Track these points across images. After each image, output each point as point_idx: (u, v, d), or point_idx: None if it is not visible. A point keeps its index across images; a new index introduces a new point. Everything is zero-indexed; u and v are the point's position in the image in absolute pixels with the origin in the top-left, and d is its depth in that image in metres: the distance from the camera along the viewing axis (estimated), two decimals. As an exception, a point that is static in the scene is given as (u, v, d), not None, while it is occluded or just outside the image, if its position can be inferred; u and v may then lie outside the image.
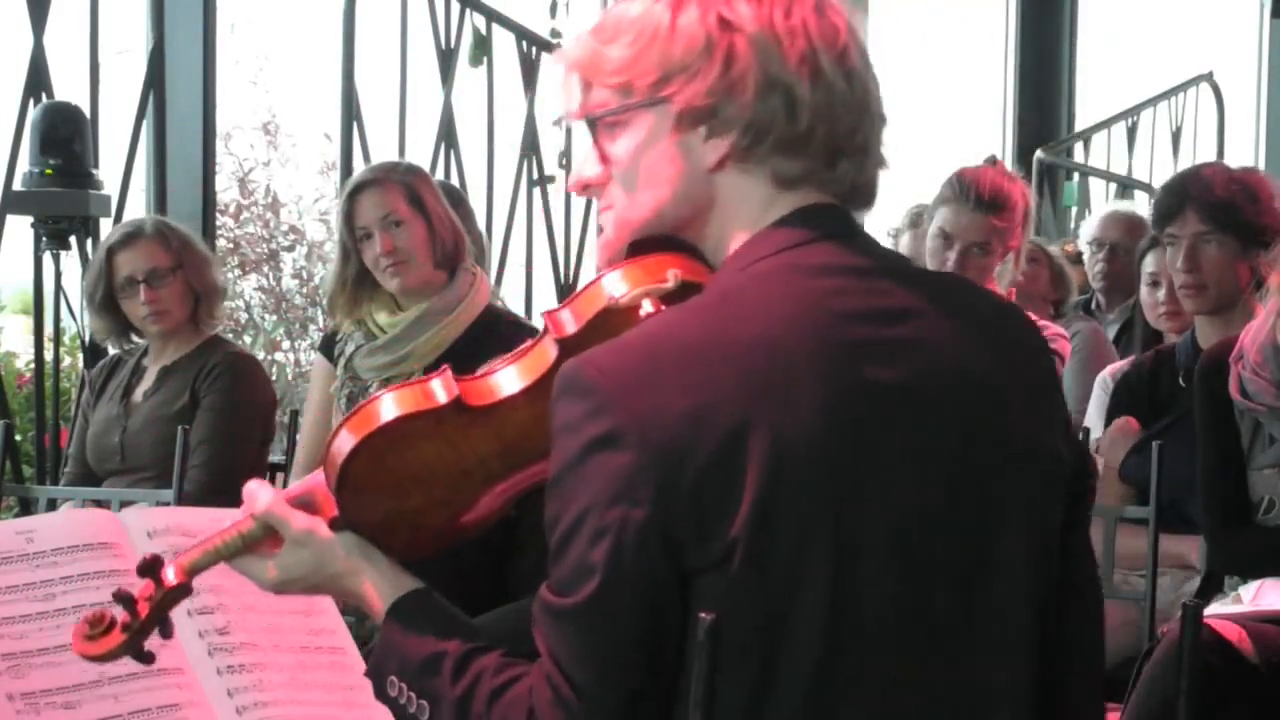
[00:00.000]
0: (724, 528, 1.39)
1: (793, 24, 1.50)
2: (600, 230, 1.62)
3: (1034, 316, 2.74)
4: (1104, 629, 1.66)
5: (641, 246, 1.57)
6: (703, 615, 1.39)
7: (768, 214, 1.52)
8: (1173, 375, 3.53)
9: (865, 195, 1.57)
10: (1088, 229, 5.41)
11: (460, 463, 1.58)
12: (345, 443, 1.57)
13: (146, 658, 1.65)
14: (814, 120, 1.50)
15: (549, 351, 1.56)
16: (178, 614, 1.68)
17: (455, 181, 5.44)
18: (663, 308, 1.51)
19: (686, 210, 1.54)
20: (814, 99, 1.49)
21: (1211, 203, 3.34)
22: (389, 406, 1.57)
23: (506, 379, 1.57)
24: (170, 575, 1.63)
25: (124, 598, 1.62)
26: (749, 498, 1.39)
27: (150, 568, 1.63)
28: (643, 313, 1.52)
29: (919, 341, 1.48)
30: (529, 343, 1.59)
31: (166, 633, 1.65)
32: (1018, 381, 1.54)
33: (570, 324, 1.56)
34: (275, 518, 1.62)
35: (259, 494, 1.64)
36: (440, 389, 1.57)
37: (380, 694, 1.57)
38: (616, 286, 1.55)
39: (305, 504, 1.63)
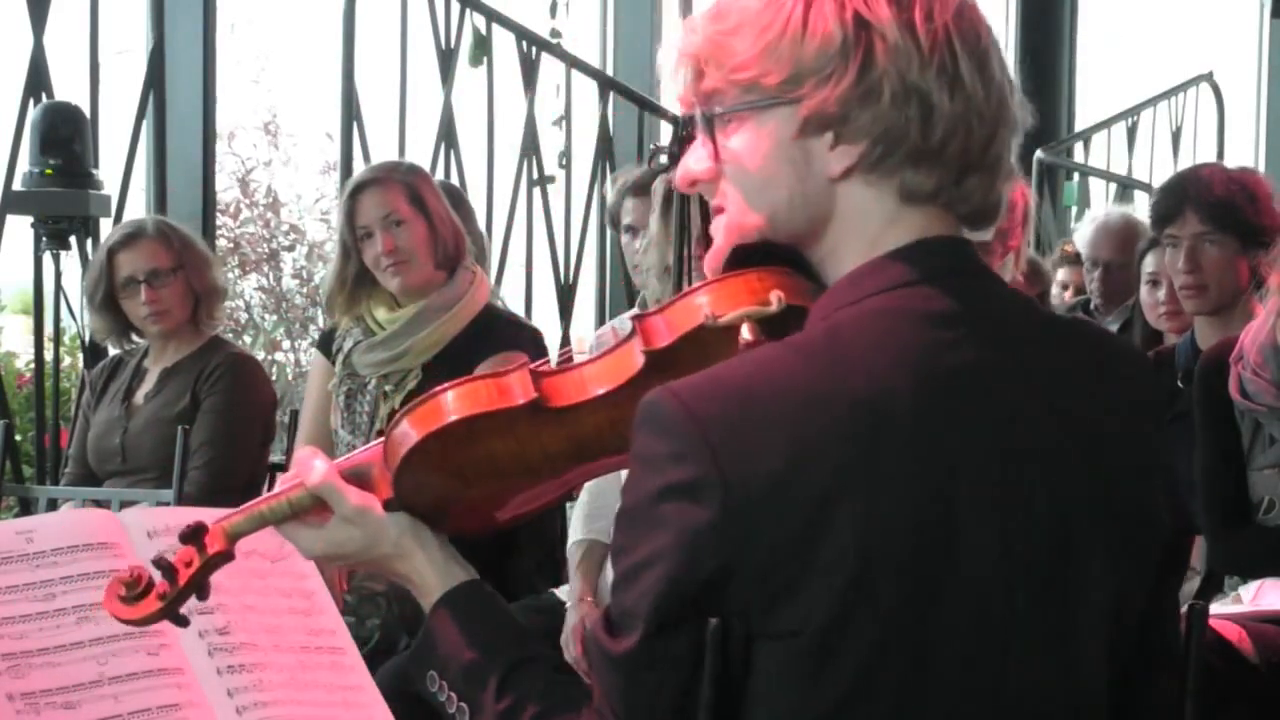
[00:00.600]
0: (797, 599, 1.32)
1: (934, 27, 1.38)
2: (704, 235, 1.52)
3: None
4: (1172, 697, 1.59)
5: (744, 252, 1.48)
6: (711, 620, 1.34)
7: (888, 232, 1.42)
8: (1172, 376, 3.52)
9: (992, 213, 1.46)
10: (1080, 241, 5.35)
11: (526, 458, 1.54)
12: (412, 432, 1.52)
13: (182, 621, 1.65)
14: (949, 132, 1.39)
15: (635, 359, 1.48)
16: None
17: (455, 181, 5.43)
18: (761, 336, 1.42)
19: (802, 220, 1.43)
20: (952, 110, 1.38)
21: (1211, 203, 3.35)
22: (462, 402, 1.51)
23: (587, 380, 1.51)
24: (212, 541, 1.61)
25: (164, 565, 1.59)
26: (827, 573, 1.31)
27: (194, 534, 1.60)
28: (741, 337, 1.43)
29: (1019, 401, 1.39)
30: (615, 342, 1.52)
31: (204, 596, 1.64)
32: (1116, 443, 1.45)
33: (663, 335, 1.47)
34: (330, 491, 1.57)
35: (314, 464, 1.58)
36: (518, 387, 1.51)
37: (419, 683, 1.53)
38: (715, 303, 1.45)
39: (358, 477, 1.59)
